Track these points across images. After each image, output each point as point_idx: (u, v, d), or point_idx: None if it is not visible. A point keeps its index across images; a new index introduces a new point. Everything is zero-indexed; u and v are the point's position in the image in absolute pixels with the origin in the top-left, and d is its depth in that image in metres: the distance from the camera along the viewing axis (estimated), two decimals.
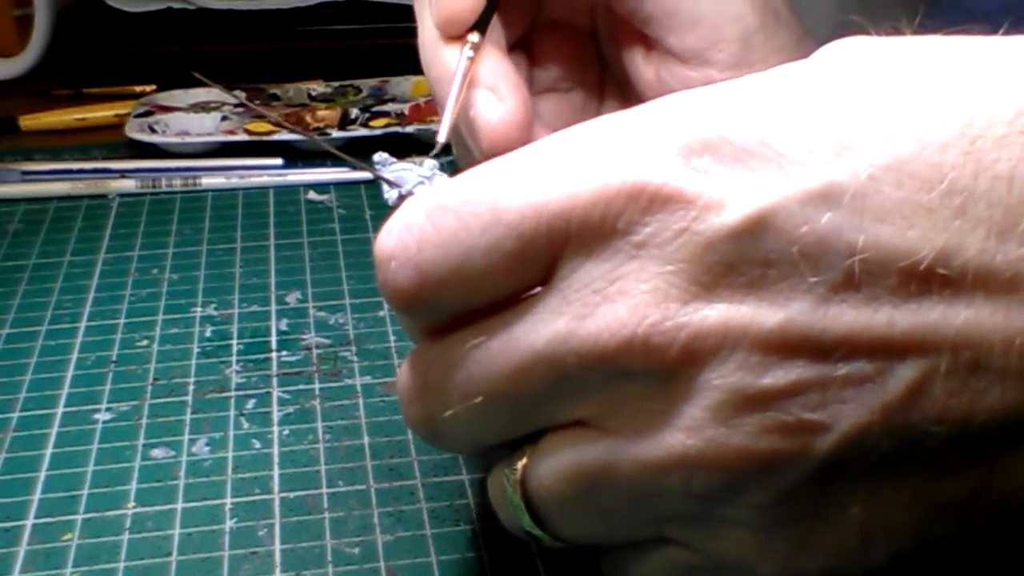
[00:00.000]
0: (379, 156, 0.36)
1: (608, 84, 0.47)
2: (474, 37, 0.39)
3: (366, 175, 0.66)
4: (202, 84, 0.75)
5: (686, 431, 0.28)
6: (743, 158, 0.28)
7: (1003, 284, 0.27)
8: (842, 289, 0.27)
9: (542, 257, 0.29)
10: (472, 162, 0.40)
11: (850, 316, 0.28)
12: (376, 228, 0.59)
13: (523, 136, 0.38)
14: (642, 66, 0.44)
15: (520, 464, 0.32)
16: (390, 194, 0.35)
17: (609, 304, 0.28)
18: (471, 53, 0.38)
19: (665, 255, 0.28)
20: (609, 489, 0.30)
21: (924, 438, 0.28)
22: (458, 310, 0.31)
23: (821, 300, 0.28)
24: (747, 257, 0.28)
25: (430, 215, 0.30)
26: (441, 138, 0.38)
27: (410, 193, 0.35)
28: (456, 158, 0.43)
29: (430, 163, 0.36)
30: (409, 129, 0.68)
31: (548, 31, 0.46)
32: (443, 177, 0.35)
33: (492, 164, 0.31)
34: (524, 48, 0.45)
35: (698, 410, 0.28)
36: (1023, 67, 0.29)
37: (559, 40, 0.46)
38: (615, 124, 0.30)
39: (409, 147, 0.66)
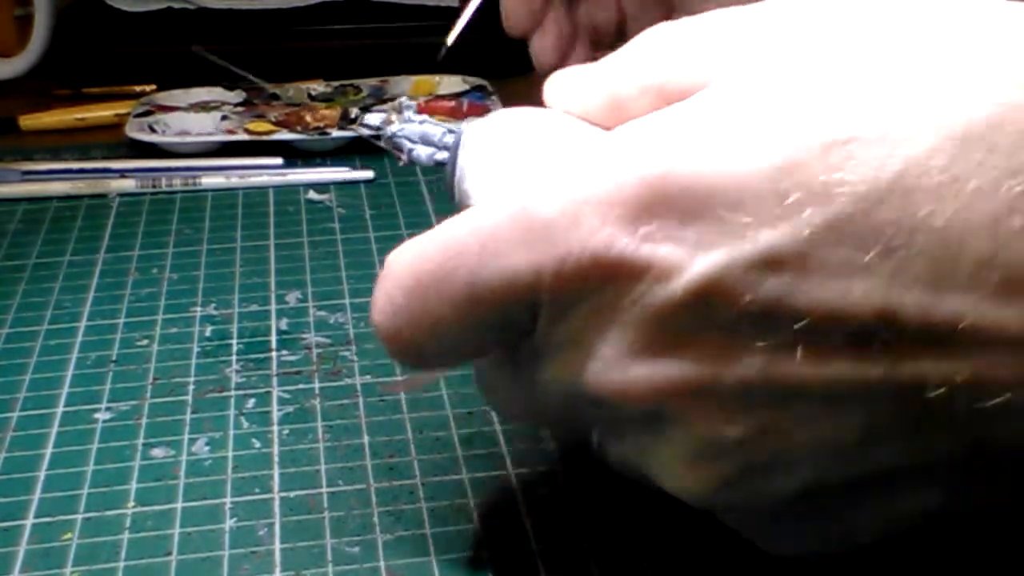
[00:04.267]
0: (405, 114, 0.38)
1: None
2: None
3: (364, 173, 0.66)
4: (201, 84, 0.75)
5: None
6: (688, 221, 0.28)
7: (945, 336, 0.27)
8: (790, 349, 0.28)
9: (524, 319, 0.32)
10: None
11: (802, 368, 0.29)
12: (376, 228, 0.60)
13: None
14: None
15: None
16: (419, 153, 0.37)
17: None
18: None
19: (621, 322, 0.30)
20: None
21: None
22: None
23: (771, 361, 0.28)
24: (697, 325, 0.29)
25: (410, 293, 0.32)
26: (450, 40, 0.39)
27: (442, 159, 0.37)
28: None
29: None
30: None
31: None
32: (471, 124, 0.36)
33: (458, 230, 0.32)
34: None
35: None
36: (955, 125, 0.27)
37: None
38: (568, 178, 0.30)
39: None
